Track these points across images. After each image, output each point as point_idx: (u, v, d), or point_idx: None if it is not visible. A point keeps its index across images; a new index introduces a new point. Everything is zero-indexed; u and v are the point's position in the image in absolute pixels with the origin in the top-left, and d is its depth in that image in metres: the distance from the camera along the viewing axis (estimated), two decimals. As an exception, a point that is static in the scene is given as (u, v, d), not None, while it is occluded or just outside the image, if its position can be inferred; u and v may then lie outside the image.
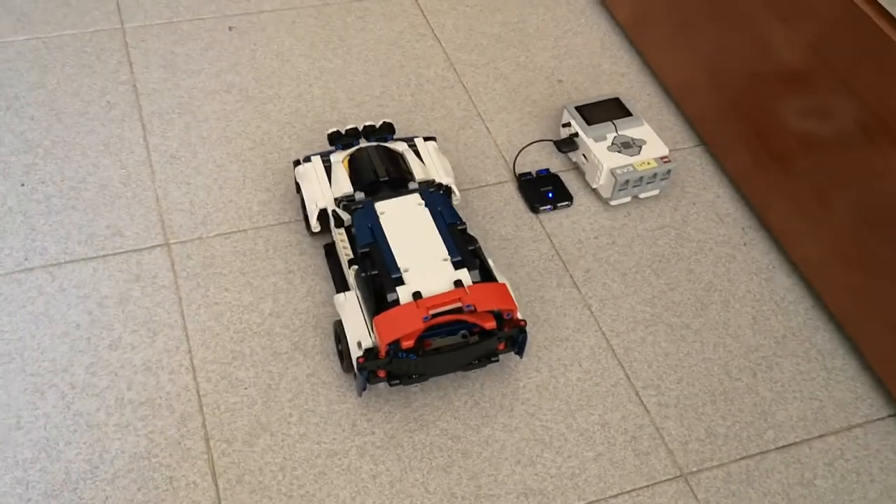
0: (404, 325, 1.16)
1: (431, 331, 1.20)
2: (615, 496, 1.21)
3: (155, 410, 1.23)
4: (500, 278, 1.27)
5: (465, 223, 1.30)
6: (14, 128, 1.55)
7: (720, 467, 1.24)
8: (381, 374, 1.21)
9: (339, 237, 1.35)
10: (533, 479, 1.21)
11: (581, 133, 1.55)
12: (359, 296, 1.25)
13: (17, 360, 1.25)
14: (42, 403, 1.21)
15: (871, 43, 1.22)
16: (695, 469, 1.24)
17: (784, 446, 1.27)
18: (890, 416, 1.32)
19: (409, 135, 1.62)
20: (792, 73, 1.38)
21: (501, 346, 1.26)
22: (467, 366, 1.26)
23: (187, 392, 1.25)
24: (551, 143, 1.64)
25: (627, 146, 1.53)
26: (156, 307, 1.33)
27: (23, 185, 1.46)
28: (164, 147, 1.55)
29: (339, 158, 1.41)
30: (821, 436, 1.29)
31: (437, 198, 1.32)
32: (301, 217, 1.47)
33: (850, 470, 1.26)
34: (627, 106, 1.59)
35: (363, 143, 1.45)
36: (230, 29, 1.80)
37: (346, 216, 1.35)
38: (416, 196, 1.33)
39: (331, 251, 1.41)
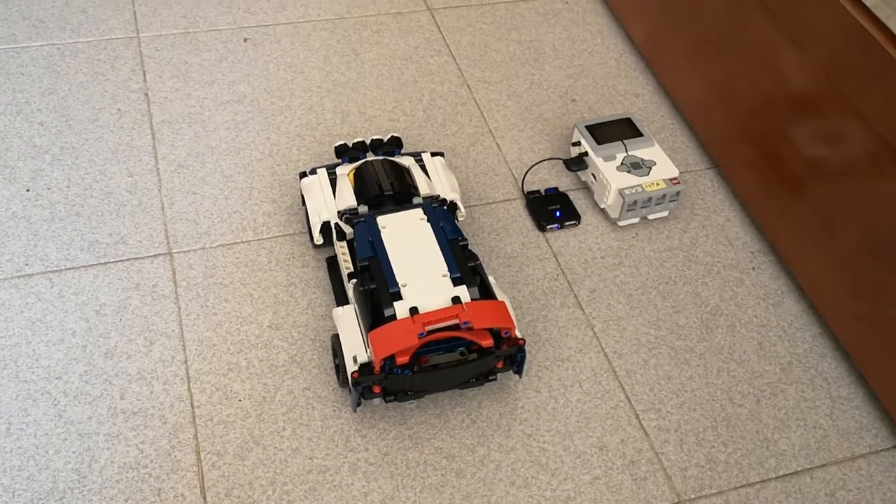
0: (399, 341, 1.15)
1: (429, 347, 1.19)
2: (610, 521, 1.19)
3: (147, 421, 1.22)
4: (500, 296, 1.26)
5: (466, 239, 1.28)
6: (23, 133, 1.55)
7: (719, 495, 1.22)
8: (377, 389, 1.20)
9: (341, 250, 1.34)
10: (527, 501, 1.19)
11: (590, 152, 1.53)
12: (357, 310, 1.24)
13: (10, 367, 1.25)
14: (34, 410, 1.21)
15: (880, 69, 1.20)
16: (693, 496, 1.22)
17: (785, 475, 1.25)
18: (895, 447, 1.29)
19: (419, 150, 1.61)
20: (802, 98, 1.37)
21: (500, 365, 1.25)
22: (464, 384, 1.25)
23: (181, 403, 1.24)
24: (561, 161, 1.63)
25: (637, 166, 1.51)
26: (154, 316, 1.33)
27: (28, 190, 1.46)
28: (173, 156, 1.55)
29: (345, 171, 1.40)
30: (823, 465, 1.26)
31: (439, 213, 1.31)
32: (306, 229, 1.46)
33: (852, 501, 1.23)
34: (638, 126, 1.57)
35: (370, 157, 1.44)
36: (245, 40, 1.79)
37: (348, 229, 1.34)
38: (419, 211, 1.31)
39: (333, 264, 1.40)
